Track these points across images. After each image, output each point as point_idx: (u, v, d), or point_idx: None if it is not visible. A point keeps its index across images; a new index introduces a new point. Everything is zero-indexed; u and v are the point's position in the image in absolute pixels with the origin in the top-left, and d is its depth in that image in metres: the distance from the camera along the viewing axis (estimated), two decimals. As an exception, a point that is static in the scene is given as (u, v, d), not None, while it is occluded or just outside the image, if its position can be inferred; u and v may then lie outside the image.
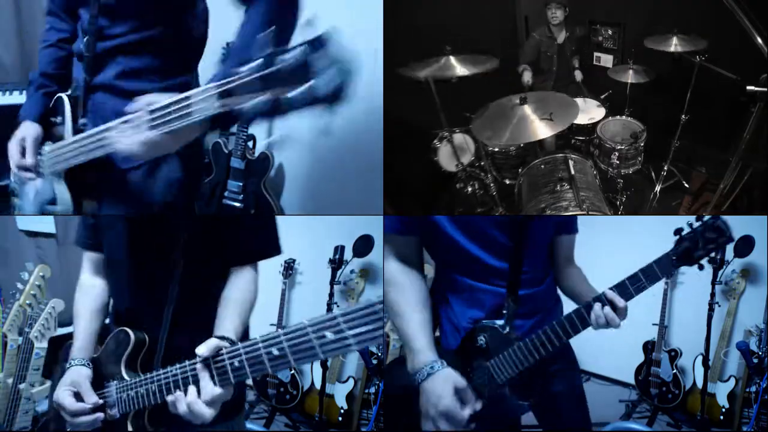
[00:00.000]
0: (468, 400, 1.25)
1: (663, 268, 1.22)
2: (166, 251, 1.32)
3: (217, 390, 1.07)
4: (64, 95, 1.53)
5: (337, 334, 0.90)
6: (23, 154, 1.55)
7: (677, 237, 1.20)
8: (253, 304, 1.36)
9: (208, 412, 1.08)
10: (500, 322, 1.33)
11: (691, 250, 1.18)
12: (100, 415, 1.28)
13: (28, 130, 1.56)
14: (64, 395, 1.30)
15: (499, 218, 1.38)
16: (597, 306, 1.23)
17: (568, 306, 1.37)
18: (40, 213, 1.60)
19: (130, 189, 1.50)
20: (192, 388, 1.09)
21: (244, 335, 1.32)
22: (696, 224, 1.19)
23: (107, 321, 1.50)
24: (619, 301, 1.23)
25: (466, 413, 1.23)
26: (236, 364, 1.04)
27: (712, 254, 1.20)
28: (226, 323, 1.26)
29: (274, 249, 1.45)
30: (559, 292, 1.51)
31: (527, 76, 3.21)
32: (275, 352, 0.97)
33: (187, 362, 1.12)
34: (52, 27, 1.65)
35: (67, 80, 1.58)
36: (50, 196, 1.54)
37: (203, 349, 1.08)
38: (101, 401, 1.30)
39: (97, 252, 1.50)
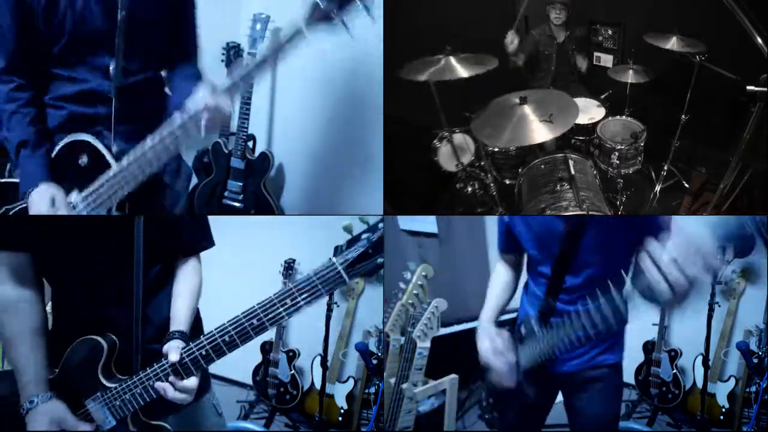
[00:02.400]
0: (504, 350, 1.53)
1: None
2: (125, 251, 1.27)
3: (187, 383, 1.25)
4: (85, 136, 1.57)
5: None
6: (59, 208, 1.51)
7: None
8: (200, 290, 1.45)
9: (187, 398, 1.27)
10: (534, 316, 1.55)
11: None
12: None
13: (50, 191, 1.51)
14: None
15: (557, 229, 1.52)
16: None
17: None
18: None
19: (167, 195, 1.70)
20: (166, 384, 1.24)
21: (196, 319, 1.43)
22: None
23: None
24: None
25: (503, 345, 1.52)
26: (203, 352, 1.23)
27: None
28: (180, 315, 1.37)
29: (208, 242, 1.51)
30: None
31: (510, 38, 3.02)
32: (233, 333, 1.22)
33: (163, 360, 1.25)
34: (17, 85, 1.58)
35: (48, 132, 1.59)
36: None
37: (174, 356, 1.24)
38: (93, 428, 1.25)
39: (18, 252, 1.31)
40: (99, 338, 1.27)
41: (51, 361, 1.30)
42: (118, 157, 1.55)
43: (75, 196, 1.55)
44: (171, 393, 1.24)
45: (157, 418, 1.30)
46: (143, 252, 1.27)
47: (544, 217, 1.60)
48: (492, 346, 1.53)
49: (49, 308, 1.40)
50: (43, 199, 1.50)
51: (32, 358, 1.27)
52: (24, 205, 1.53)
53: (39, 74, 1.60)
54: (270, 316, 1.19)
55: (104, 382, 1.26)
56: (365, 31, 2.51)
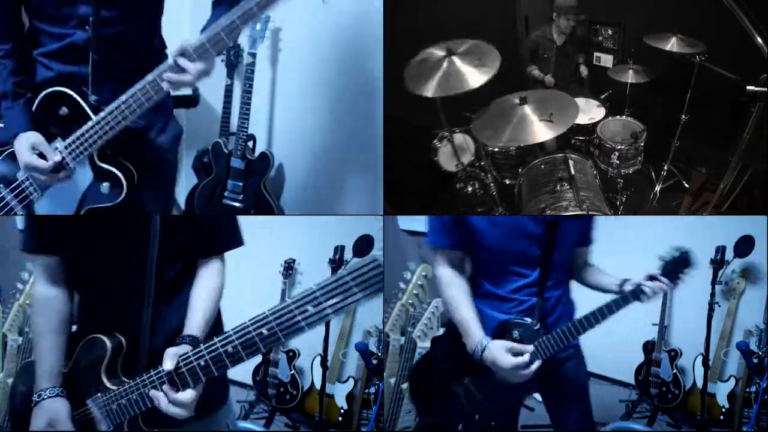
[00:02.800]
0: (521, 351, 1.48)
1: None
2: (140, 250, 1.26)
3: (181, 395, 1.15)
4: (64, 88, 1.61)
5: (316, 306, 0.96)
6: (43, 158, 1.58)
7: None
8: (221, 292, 1.39)
9: (181, 412, 1.16)
10: (530, 320, 1.54)
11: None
12: None
13: (32, 138, 1.59)
14: None
15: (530, 230, 1.54)
16: (648, 282, 1.50)
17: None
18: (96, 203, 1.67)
19: (151, 148, 1.72)
20: (160, 394, 1.16)
21: (217, 321, 1.38)
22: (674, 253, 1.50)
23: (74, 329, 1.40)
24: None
25: (527, 357, 1.47)
26: (202, 363, 1.11)
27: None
28: (195, 318, 1.31)
29: (237, 241, 1.47)
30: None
31: (542, 76, 3.24)
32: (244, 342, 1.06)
33: (160, 367, 1.17)
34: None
35: (31, 82, 1.66)
36: (89, 182, 1.65)
37: (169, 364, 1.15)
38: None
39: (51, 255, 1.37)
40: (104, 338, 1.26)
41: (69, 359, 1.33)
42: (97, 108, 1.60)
43: (59, 144, 1.61)
44: (164, 404, 1.15)
45: (155, 427, 1.24)
46: (161, 251, 1.25)
47: (508, 217, 1.61)
48: (519, 360, 1.46)
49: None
50: (23, 146, 1.58)
51: (51, 353, 1.31)
52: (10, 150, 1.64)
53: (19, 27, 1.64)
54: (285, 325, 1.00)
55: (106, 383, 1.24)
56: (366, 31, 2.52)
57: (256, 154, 2.98)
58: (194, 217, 1.49)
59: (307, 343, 2.90)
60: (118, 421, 1.22)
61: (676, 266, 1.48)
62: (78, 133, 1.60)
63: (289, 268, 3.02)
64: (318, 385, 2.86)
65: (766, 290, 2.72)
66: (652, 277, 1.49)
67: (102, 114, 1.58)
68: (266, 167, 2.97)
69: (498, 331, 1.54)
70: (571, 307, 1.66)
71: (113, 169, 1.65)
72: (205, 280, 1.37)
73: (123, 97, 1.55)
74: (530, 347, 1.48)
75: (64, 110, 1.62)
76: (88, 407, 1.25)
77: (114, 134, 1.58)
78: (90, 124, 1.59)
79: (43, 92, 1.63)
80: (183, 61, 1.47)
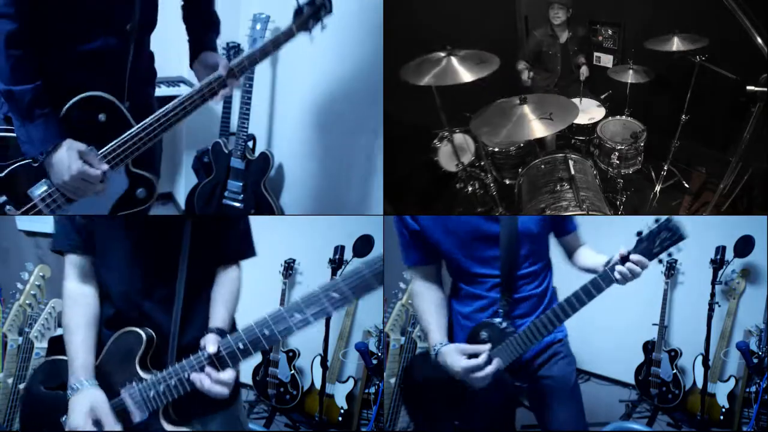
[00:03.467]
0: (475, 352, 1.46)
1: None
2: (171, 251, 1.36)
3: (224, 375, 1.25)
4: (103, 94, 1.57)
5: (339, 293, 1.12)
6: (91, 166, 1.52)
7: (637, 237, 1.36)
8: (238, 298, 1.48)
9: (223, 391, 1.25)
10: (498, 319, 1.50)
11: (649, 248, 1.35)
12: None
13: (78, 146, 1.50)
14: (85, 424, 1.26)
15: (486, 230, 1.52)
16: (619, 265, 1.37)
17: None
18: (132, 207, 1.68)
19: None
20: (203, 375, 1.25)
21: (232, 327, 1.45)
22: (652, 226, 1.34)
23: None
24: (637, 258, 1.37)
25: (481, 359, 1.43)
26: (241, 346, 1.23)
27: (669, 251, 1.35)
28: (219, 315, 1.40)
29: (252, 251, 1.55)
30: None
31: (526, 75, 3.21)
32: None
33: (200, 352, 1.26)
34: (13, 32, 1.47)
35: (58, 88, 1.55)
36: (124, 188, 1.64)
37: (212, 348, 1.24)
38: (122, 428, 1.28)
39: (82, 255, 1.42)
40: (139, 330, 1.33)
41: (98, 352, 1.38)
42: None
43: (99, 152, 1.56)
44: (207, 384, 1.24)
45: (188, 417, 1.33)
46: (190, 255, 1.35)
47: (458, 218, 1.55)
48: (472, 363, 1.43)
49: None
50: (71, 154, 1.49)
51: (84, 347, 1.35)
52: (25, 161, 1.53)
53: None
54: (315, 310, 1.15)
55: (141, 373, 1.31)
56: (366, 31, 2.52)
57: (256, 154, 2.98)
58: (218, 224, 1.50)
59: (307, 343, 2.90)
60: (153, 408, 1.28)
61: (656, 242, 1.34)
62: (120, 140, 1.56)
63: (289, 269, 3.02)
64: (318, 385, 2.86)
65: (766, 290, 2.72)
66: (623, 258, 1.36)
67: (148, 121, 1.57)
68: (266, 167, 2.97)
69: (471, 334, 1.53)
70: (552, 300, 1.62)
71: (147, 174, 1.66)
72: (226, 284, 1.46)
73: (170, 106, 1.58)
74: (485, 347, 1.45)
75: (101, 116, 1.57)
76: (121, 398, 1.30)
77: (154, 143, 1.59)
78: (134, 131, 1.57)
79: (79, 97, 1.55)
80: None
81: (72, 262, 1.42)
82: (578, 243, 1.66)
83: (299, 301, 1.16)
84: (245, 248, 1.52)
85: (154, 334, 1.34)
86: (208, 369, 1.24)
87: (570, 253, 1.66)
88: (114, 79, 1.63)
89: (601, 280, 1.38)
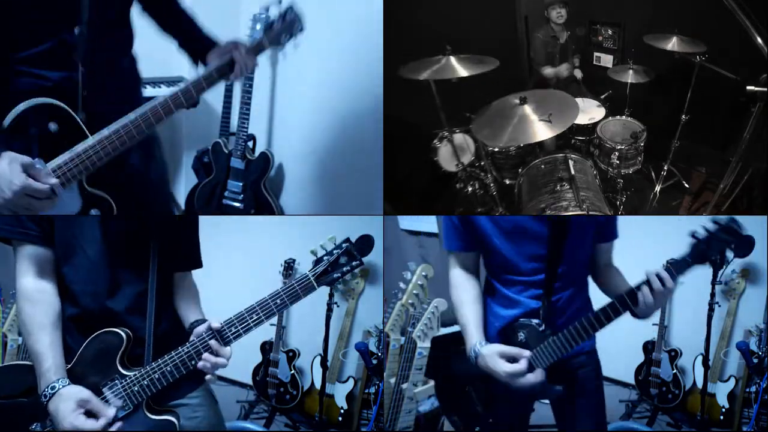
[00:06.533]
0: (516, 356, 1.45)
1: (679, 269, 1.43)
2: (140, 249, 1.38)
3: (226, 349, 1.35)
4: (55, 101, 1.41)
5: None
6: (36, 180, 1.34)
7: (693, 240, 1.37)
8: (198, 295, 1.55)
9: (224, 362, 1.34)
10: (536, 321, 1.50)
11: (706, 253, 1.38)
12: (119, 424, 1.30)
13: (21, 159, 1.33)
14: (80, 420, 1.25)
15: (535, 230, 1.51)
16: (644, 287, 1.38)
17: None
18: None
19: (136, 174, 1.62)
20: (208, 354, 1.33)
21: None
22: (711, 227, 1.35)
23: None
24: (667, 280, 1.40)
25: (523, 364, 1.43)
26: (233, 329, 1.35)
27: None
28: (195, 308, 1.48)
29: (198, 263, 1.57)
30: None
31: (555, 80, 3.25)
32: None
33: (194, 339, 1.34)
34: None
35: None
36: (77, 209, 1.48)
37: (216, 324, 1.34)
38: (115, 409, 1.30)
39: (41, 247, 1.34)
40: (119, 331, 1.34)
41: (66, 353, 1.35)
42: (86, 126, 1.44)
43: (39, 165, 1.37)
44: (213, 359, 1.31)
45: (167, 403, 1.38)
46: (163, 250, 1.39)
47: (511, 217, 1.57)
48: (516, 368, 1.43)
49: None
50: (14, 167, 1.31)
51: (52, 347, 1.30)
52: None
53: None
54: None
55: (122, 371, 1.33)
56: (366, 31, 2.52)
57: (256, 154, 2.98)
58: (178, 227, 1.53)
59: (307, 343, 2.91)
60: (137, 402, 1.31)
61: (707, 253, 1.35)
62: (72, 153, 1.41)
63: (289, 268, 3.02)
64: (318, 385, 2.86)
65: (766, 290, 2.72)
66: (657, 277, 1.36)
67: (105, 132, 1.42)
68: (266, 167, 2.97)
69: (504, 332, 1.53)
70: (587, 307, 1.61)
71: (103, 194, 1.50)
72: (188, 288, 1.52)
73: (132, 115, 1.44)
74: (527, 352, 1.44)
75: (53, 126, 1.41)
76: (104, 396, 1.31)
77: (113, 157, 1.44)
78: (89, 143, 1.42)
79: (26, 104, 1.39)
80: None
81: (29, 255, 1.33)
82: (609, 257, 1.62)
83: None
84: (194, 258, 1.54)
85: (130, 333, 1.35)
86: (213, 342, 1.32)
87: (598, 266, 1.61)
88: (63, 86, 1.44)
89: (627, 298, 1.39)
